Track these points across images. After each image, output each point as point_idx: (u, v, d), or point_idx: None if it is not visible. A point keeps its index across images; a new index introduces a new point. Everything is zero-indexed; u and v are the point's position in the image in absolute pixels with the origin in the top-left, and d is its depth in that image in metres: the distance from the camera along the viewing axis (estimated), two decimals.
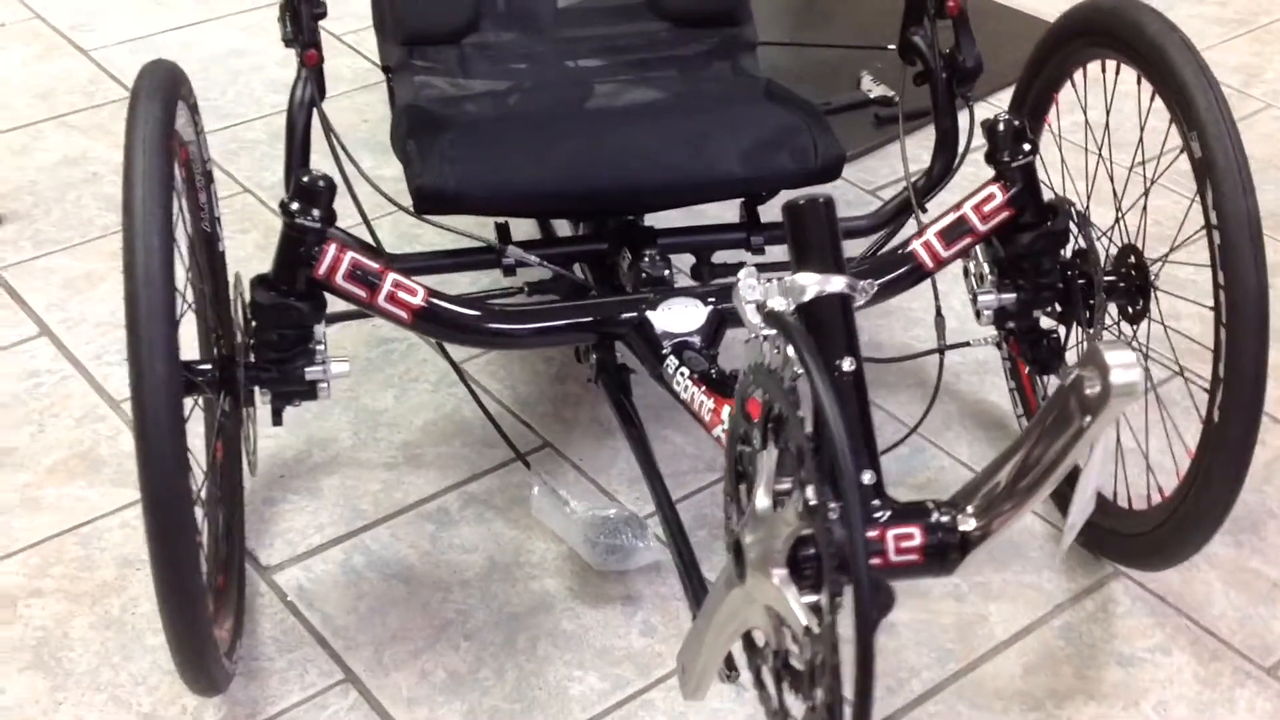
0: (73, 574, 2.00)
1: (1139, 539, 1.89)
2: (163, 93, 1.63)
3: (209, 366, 1.77)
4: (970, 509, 1.38)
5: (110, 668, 1.87)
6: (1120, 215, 1.94)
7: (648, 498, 1.87)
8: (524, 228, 2.26)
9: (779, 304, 1.39)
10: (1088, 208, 1.93)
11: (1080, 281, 1.89)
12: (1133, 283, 1.88)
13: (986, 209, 1.89)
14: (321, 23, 1.92)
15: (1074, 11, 1.93)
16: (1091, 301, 1.88)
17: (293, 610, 1.95)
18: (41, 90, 3.09)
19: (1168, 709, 1.84)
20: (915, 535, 1.37)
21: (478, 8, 2.27)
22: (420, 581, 1.99)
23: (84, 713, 1.81)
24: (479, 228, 2.02)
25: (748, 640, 1.42)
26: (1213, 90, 1.70)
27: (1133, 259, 1.88)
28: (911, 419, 2.16)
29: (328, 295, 1.81)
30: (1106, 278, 1.88)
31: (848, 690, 1.19)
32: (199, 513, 1.83)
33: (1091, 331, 1.90)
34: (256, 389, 1.81)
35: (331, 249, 1.77)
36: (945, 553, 1.38)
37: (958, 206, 1.91)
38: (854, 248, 2.11)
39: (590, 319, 1.91)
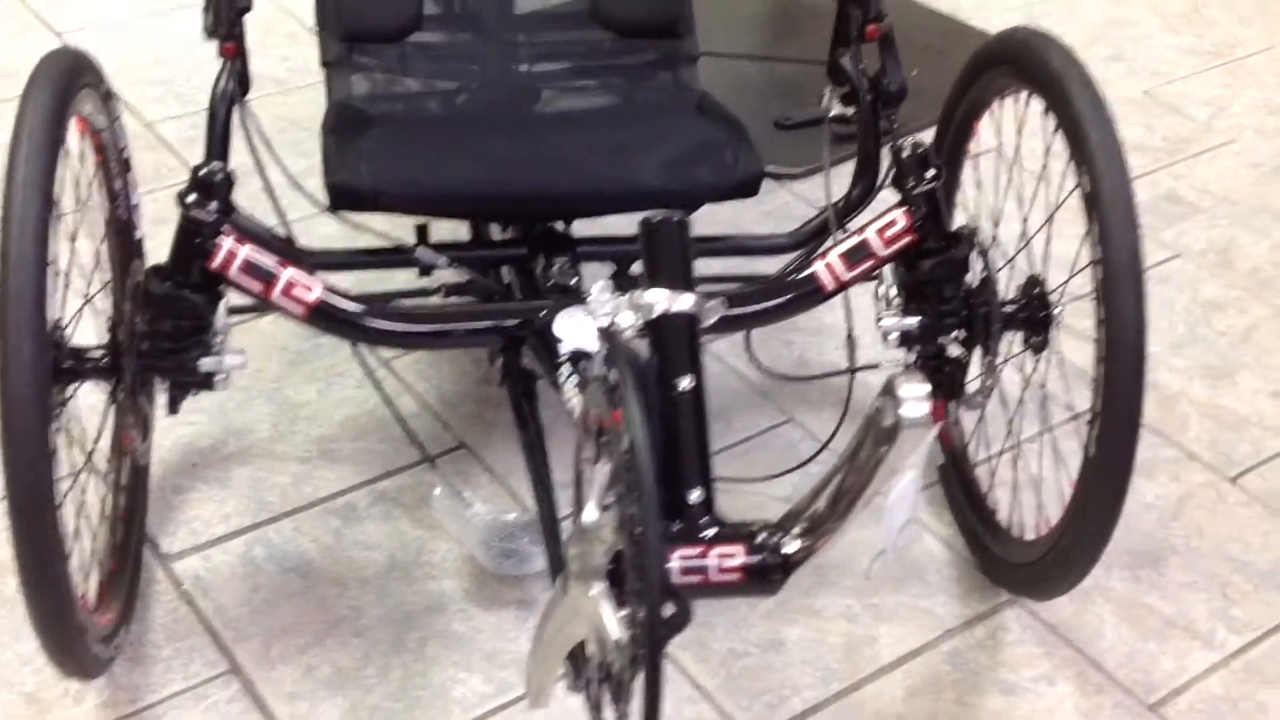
0: None
1: (1027, 568, 1.90)
2: (56, 82, 1.65)
3: (100, 353, 1.79)
4: (795, 530, 1.39)
5: None
6: (1022, 245, 1.94)
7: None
8: (455, 229, 2.27)
9: (627, 319, 1.40)
10: (995, 237, 1.93)
11: (983, 310, 1.89)
12: (1034, 313, 1.88)
13: (889, 234, 1.90)
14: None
15: (990, 42, 1.94)
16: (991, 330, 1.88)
17: (186, 599, 1.96)
18: (7, 69, 3.10)
19: None
20: (738, 555, 1.37)
21: (421, 6, 2.28)
22: (318, 576, 2.00)
23: None
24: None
25: (576, 651, 1.43)
26: (1106, 126, 1.70)
27: (1037, 290, 1.88)
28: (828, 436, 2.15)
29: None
30: (1007, 307, 1.88)
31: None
32: (94, 497, 1.86)
33: (995, 361, 1.90)
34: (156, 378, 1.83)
35: (227, 242, 1.79)
36: (768, 573, 1.39)
37: (861, 230, 1.91)
38: (772, 265, 2.12)
39: (488, 324, 1.92)
